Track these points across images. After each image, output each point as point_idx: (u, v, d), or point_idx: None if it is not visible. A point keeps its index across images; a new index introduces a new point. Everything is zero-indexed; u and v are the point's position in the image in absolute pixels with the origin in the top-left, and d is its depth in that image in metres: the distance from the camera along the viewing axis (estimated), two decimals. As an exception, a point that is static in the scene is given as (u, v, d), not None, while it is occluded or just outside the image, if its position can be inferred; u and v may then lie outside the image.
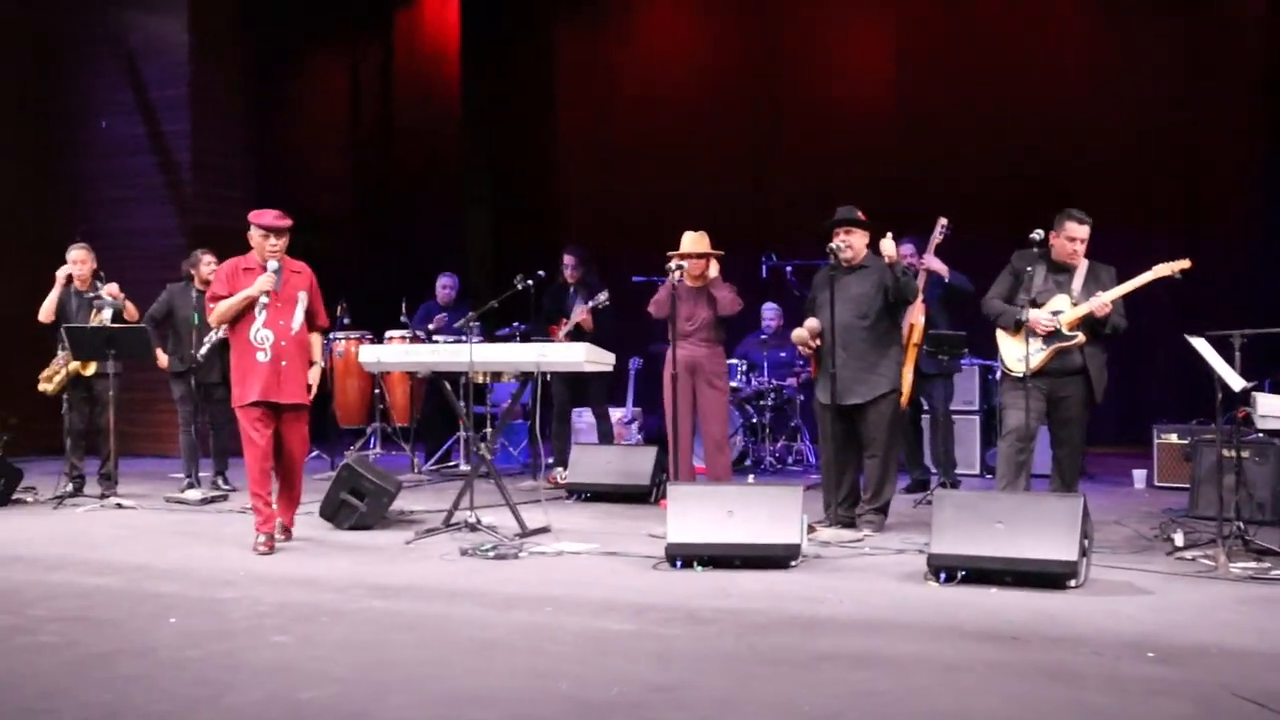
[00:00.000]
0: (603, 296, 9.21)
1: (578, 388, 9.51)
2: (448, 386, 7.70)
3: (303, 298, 6.69)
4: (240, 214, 12.63)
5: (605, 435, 9.66)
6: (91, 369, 8.62)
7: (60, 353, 8.57)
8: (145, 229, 11.88)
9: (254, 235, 6.69)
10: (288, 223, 6.67)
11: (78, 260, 8.75)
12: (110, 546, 6.75)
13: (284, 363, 6.55)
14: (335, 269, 14.20)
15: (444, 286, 10.84)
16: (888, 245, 6.78)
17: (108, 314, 8.50)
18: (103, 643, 4.59)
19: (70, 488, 8.66)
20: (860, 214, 7.03)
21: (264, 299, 6.54)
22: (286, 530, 6.83)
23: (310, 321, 6.76)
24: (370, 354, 7.62)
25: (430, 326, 10.33)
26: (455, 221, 14.59)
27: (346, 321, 10.64)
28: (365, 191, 14.92)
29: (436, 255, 12.66)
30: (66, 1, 12.67)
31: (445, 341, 9.40)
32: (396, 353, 7.89)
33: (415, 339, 10.00)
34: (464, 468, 10.05)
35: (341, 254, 14.55)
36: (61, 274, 8.67)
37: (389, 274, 13.38)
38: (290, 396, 6.58)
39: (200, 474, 8.94)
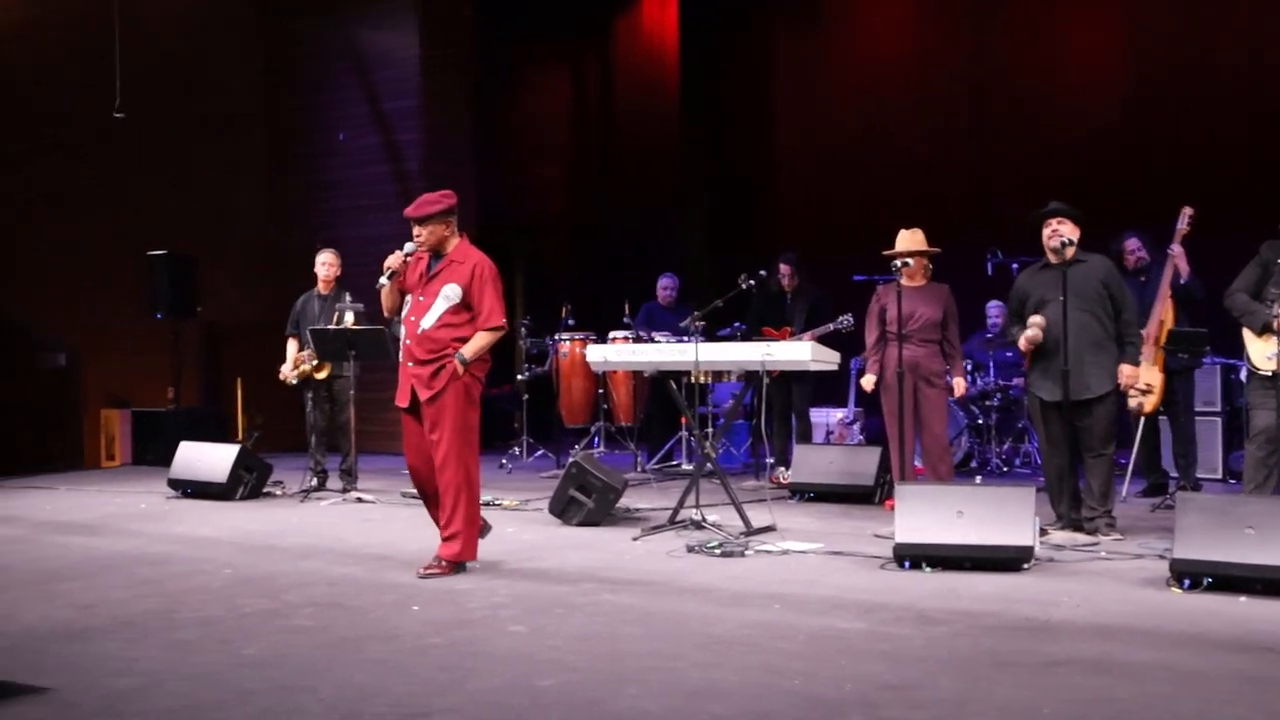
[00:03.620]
0: (846, 320, 9.16)
1: (789, 387, 9.52)
2: (674, 385, 7.80)
3: (450, 293, 5.90)
4: (466, 222, 13.25)
5: (803, 436, 9.65)
6: (325, 373, 9.08)
7: (304, 349, 9.05)
8: (378, 236, 12.37)
9: None
10: (419, 212, 5.91)
11: (326, 263, 9.21)
12: (353, 538, 7.10)
13: (409, 363, 5.95)
14: (557, 272, 14.73)
15: (664, 287, 10.98)
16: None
17: (349, 317, 8.92)
18: (352, 628, 4.84)
19: (314, 482, 9.12)
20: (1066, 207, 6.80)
21: (411, 294, 6.03)
22: (438, 560, 5.93)
23: (473, 319, 5.94)
24: (598, 353, 7.78)
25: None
26: (673, 224, 14.75)
27: (570, 323, 10.90)
28: (585, 196, 15.24)
29: (655, 257, 12.83)
30: (303, 20, 13.38)
31: (668, 341, 9.53)
32: (623, 352, 8.03)
33: (638, 339, 10.15)
34: (686, 467, 10.16)
35: (563, 258, 14.92)
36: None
37: (609, 276, 13.62)
38: (403, 400, 5.98)
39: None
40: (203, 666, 4.30)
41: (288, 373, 9.11)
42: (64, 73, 11.60)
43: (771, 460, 9.62)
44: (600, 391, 10.75)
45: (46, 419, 11.59)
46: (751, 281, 8.49)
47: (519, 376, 11.34)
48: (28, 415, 11.30)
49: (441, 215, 5.92)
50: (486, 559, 6.20)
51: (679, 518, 7.06)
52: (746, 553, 6.32)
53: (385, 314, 6.30)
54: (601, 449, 10.82)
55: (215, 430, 11.27)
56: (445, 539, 5.91)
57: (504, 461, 10.95)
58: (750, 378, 7.51)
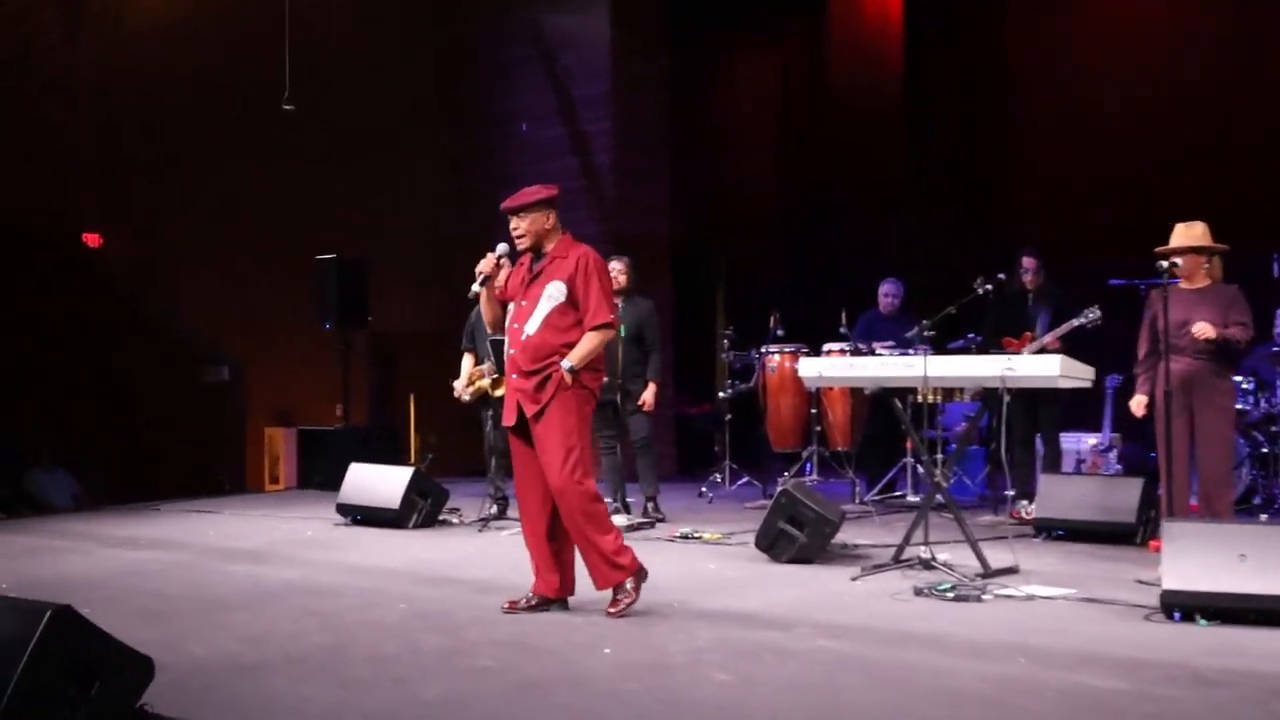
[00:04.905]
0: (1094, 314, 8.90)
1: (1034, 408, 9.29)
2: (898, 404, 7.70)
3: (553, 291, 5.87)
4: (661, 220, 13.46)
5: (1050, 464, 9.39)
6: (503, 390, 9.24)
7: (482, 363, 9.24)
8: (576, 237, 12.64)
9: None
10: (516, 202, 5.92)
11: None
12: (538, 572, 7.21)
13: (514, 376, 5.95)
14: (764, 277, 14.72)
15: (887, 294, 10.86)
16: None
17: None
18: (539, 670, 4.92)
19: (494, 509, 9.31)
20: None
21: (513, 302, 6.02)
22: (545, 600, 5.99)
23: (580, 320, 5.89)
24: (811, 368, 7.72)
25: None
26: (896, 222, 14.57)
27: (779, 334, 10.86)
28: (796, 192, 15.18)
29: (876, 260, 12.70)
30: (484, 3, 13.72)
31: (891, 354, 9.41)
32: (840, 367, 7.95)
33: (857, 352, 10.05)
34: (912, 498, 10.03)
35: (771, 261, 14.88)
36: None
37: (824, 281, 13.55)
38: (509, 418, 5.96)
39: (628, 499, 9.37)
40: (378, 709, 4.42)
41: (462, 389, 9.30)
42: (229, 71, 12.15)
43: (1012, 492, 9.40)
44: (813, 411, 10.69)
45: (208, 437, 12.14)
46: (988, 286, 8.36)
47: (721, 394, 11.38)
48: (189, 433, 11.86)
49: (542, 205, 5.93)
50: (685, 598, 6.23)
51: (904, 556, 6.96)
52: (984, 597, 6.19)
53: (490, 328, 6.39)
54: (814, 477, 10.75)
55: (386, 451, 11.54)
56: (601, 572, 5.87)
57: (703, 490, 10.97)
58: (987, 396, 7.38)
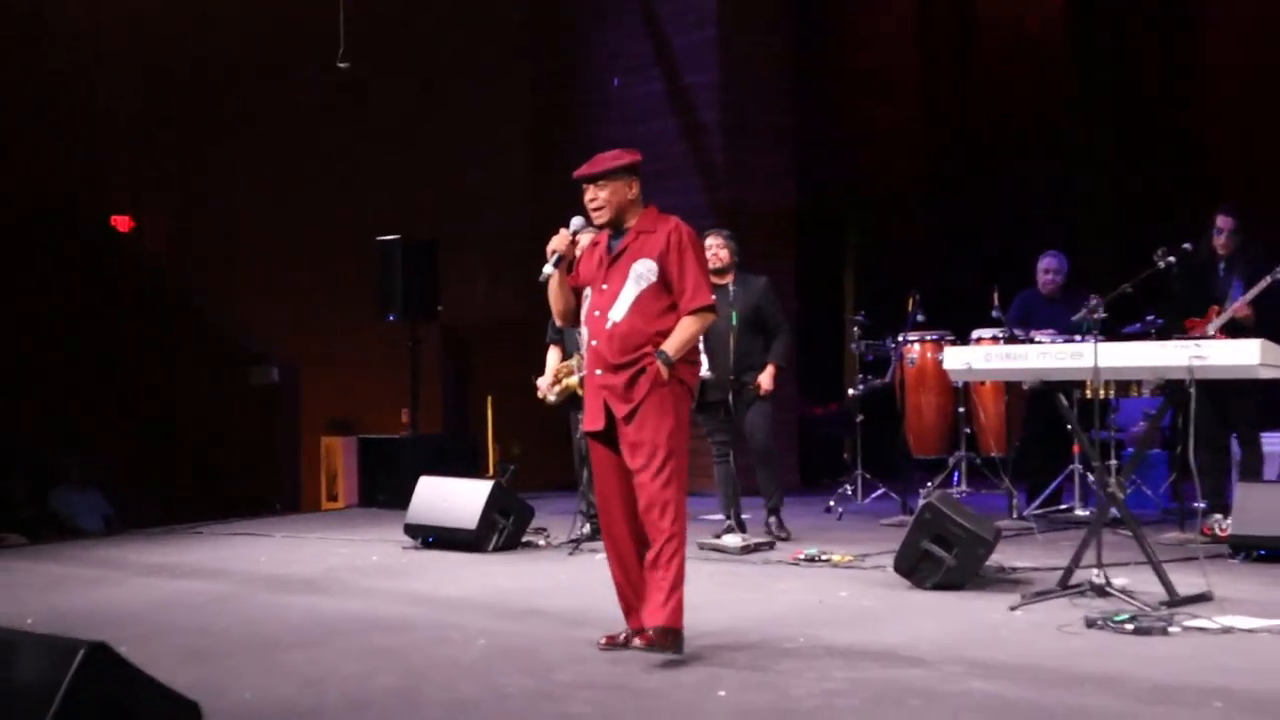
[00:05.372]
0: None
1: (1227, 403, 9.14)
2: (1064, 401, 7.61)
3: (642, 270, 5.87)
4: (779, 188, 13.41)
5: (1248, 470, 9.23)
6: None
7: (573, 359, 9.28)
8: (667, 208, 12.62)
9: None
10: (595, 169, 5.94)
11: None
12: (639, 602, 7.24)
13: (597, 371, 5.93)
14: (902, 252, 14.62)
15: (1048, 270, 10.72)
16: None
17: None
18: (642, 717, 4.94)
19: (587, 529, 9.30)
20: None
21: (591, 287, 6.01)
22: (644, 635, 5.79)
23: (675, 304, 5.89)
24: (958, 359, 7.65)
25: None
26: (1061, 185, 14.40)
27: (920, 319, 10.78)
28: (940, 151, 15.07)
29: (1036, 230, 12.55)
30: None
31: (1054, 341, 9.31)
32: (993, 357, 7.86)
33: (1013, 339, 9.95)
34: (1081, 512, 9.92)
35: (910, 233, 14.77)
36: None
37: (973, 256, 13.44)
38: (593, 422, 5.96)
39: (744, 515, 9.36)
40: (456, 760, 4.47)
41: (547, 388, 9.33)
42: (280, 28, 12.28)
43: (1202, 504, 9.26)
44: (961, 411, 10.62)
45: (256, 449, 12.31)
46: (1171, 258, 8.20)
47: (850, 392, 11.30)
48: (235, 444, 12.05)
49: (624, 172, 5.92)
50: (812, 632, 6.22)
51: (1073, 581, 6.89)
52: (1170, 629, 6.11)
53: (558, 320, 6.33)
54: (964, 488, 10.67)
55: (462, 463, 11.63)
56: (659, 599, 5.73)
57: (831, 504, 10.95)
58: (1171, 390, 7.25)
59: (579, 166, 6.00)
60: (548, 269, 6.04)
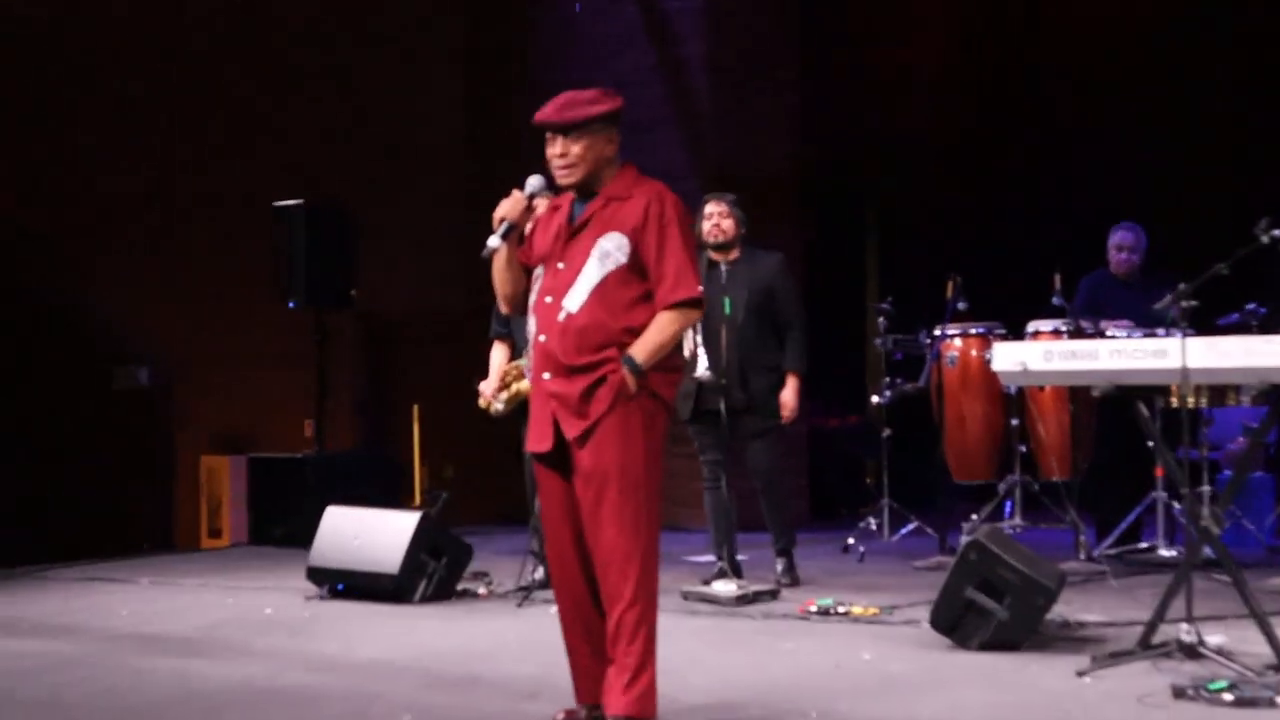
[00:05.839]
0: None
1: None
2: (1144, 411, 7.56)
3: (609, 248, 5.71)
4: (781, 143, 13.31)
5: None
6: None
7: (523, 358, 9.19)
8: (642, 168, 12.56)
9: None
10: (566, 116, 5.73)
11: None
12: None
13: (545, 376, 5.76)
14: (937, 225, 14.59)
15: (1121, 246, 10.74)
16: None
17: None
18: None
19: (540, 574, 9.22)
20: None
21: (545, 265, 5.86)
22: (595, 711, 5.80)
23: (650, 292, 5.75)
24: (1011, 357, 7.58)
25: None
26: (1137, 139, 14.36)
27: (962, 307, 10.74)
28: (985, 97, 15.05)
29: (1105, 197, 12.52)
30: None
31: (1130, 335, 9.28)
32: (1054, 355, 7.80)
33: (1078, 333, 9.92)
34: (1165, 552, 9.94)
35: (947, 201, 14.75)
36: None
37: (1026, 229, 13.44)
38: (539, 441, 5.78)
39: (739, 555, 9.30)
40: None
41: (491, 394, 9.27)
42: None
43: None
44: (1015, 423, 10.62)
45: (119, 470, 12.17)
46: (1277, 232, 8.18)
47: (875, 399, 11.28)
48: (91, 465, 11.88)
49: (605, 122, 5.75)
50: (827, 705, 6.15)
51: (1157, 639, 6.89)
52: (1278, 700, 6.08)
53: (503, 306, 6.13)
54: (1018, 521, 10.65)
55: (381, 489, 11.61)
56: (622, 682, 5.62)
57: (850, 541, 10.98)
58: (1276, 398, 7.22)
59: (531, 113, 5.82)
60: (494, 241, 5.81)
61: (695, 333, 8.52)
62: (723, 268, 9.07)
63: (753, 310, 9.12)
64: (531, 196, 5.87)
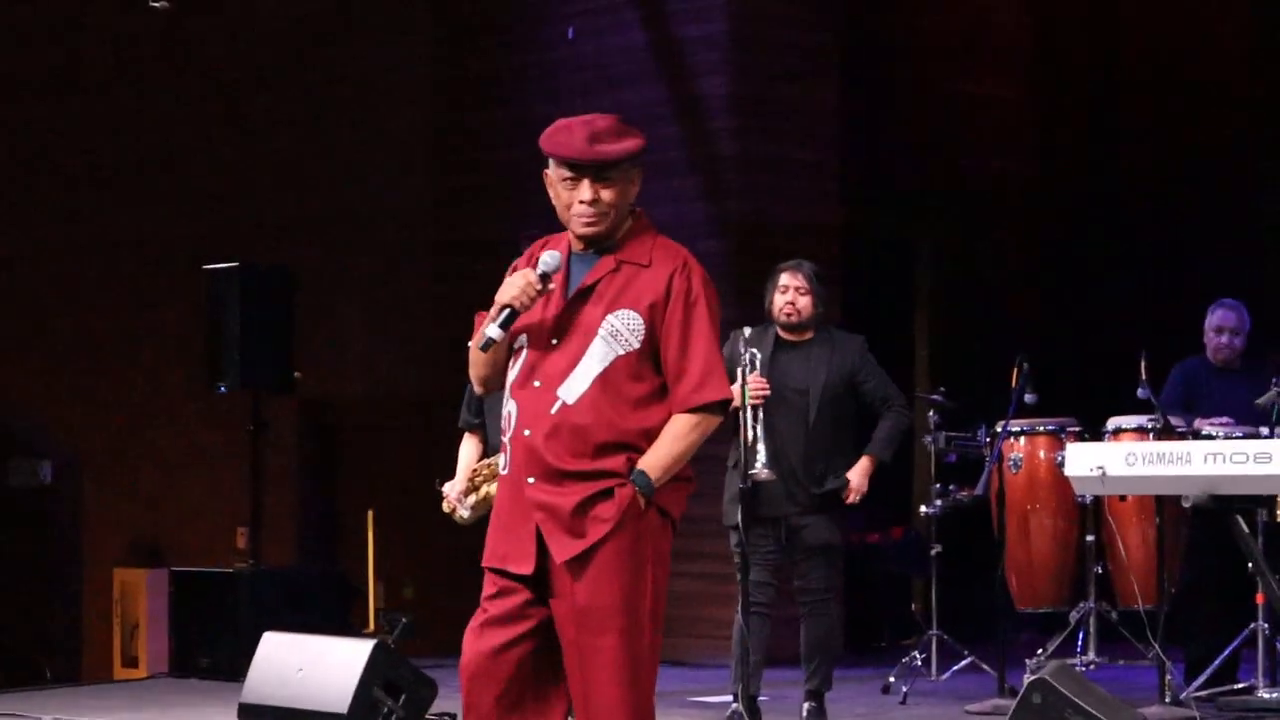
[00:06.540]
0: None
1: None
2: (1243, 527, 7.63)
3: (620, 328, 5.35)
4: (815, 194, 13.29)
5: None
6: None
7: (500, 455, 9.25)
8: (652, 221, 12.63)
9: (550, 179, 5.61)
10: (608, 149, 5.34)
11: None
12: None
13: (530, 480, 5.36)
14: (1002, 290, 14.63)
15: (1220, 328, 10.73)
16: None
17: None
18: None
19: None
20: None
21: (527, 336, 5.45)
22: None
23: (663, 387, 5.41)
24: (1086, 460, 7.64)
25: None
26: (1248, 204, 14.37)
27: (1029, 399, 10.78)
28: (1062, 150, 15.11)
29: (1203, 261, 12.59)
30: None
31: (1230, 435, 9.35)
32: (1137, 458, 7.88)
33: (1168, 431, 9.98)
34: (1267, 695, 9.93)
35: (1016, 265, 14.81)
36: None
37: (1111, 308, 13.47)
38: (519, 560, 5.35)
39: (761, 695, 9.34)
40: None
41: (456, 498, 9.29)
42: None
43: None
44: (1090, 540, 10.65)
45: (19, 584, 12.23)
46: None
47: (923, 510, 11.31)
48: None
49: (637, 160, 5.39)
50: None
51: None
52: None
53: (478, 386, 5.80)
54: (1093, 657, 10.66)
55: (328, 611, 11.63)
56: None
57: (892, 679, 10.94)
58: None
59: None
60: (494, 332, 5.41)
61: (755, 422, 8.56)
62: (796, 349, 9.15)
63: (829, 401, 9.11)
64: (544, 278, 5.44)
